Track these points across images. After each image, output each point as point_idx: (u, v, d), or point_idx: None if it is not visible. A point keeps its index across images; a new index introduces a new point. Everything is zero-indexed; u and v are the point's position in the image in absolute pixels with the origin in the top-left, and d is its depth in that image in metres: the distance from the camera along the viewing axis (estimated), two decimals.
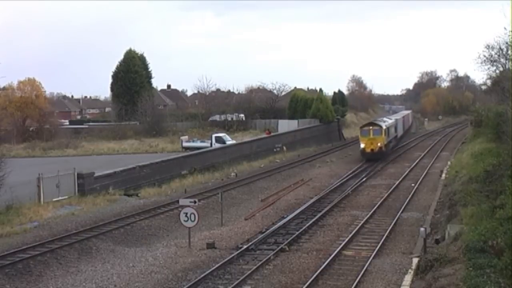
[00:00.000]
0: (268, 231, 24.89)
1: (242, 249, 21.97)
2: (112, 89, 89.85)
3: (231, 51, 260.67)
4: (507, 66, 41.13)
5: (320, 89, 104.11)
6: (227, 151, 51.43)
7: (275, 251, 21.53)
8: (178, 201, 26.50)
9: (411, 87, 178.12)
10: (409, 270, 18.34)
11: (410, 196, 33.05)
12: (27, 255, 21.41)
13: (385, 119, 62.27)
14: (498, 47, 41.22)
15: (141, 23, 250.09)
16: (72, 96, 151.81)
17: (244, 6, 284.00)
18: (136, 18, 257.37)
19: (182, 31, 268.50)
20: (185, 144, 60.28)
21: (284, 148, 58.99)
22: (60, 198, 31.58)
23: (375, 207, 29.70)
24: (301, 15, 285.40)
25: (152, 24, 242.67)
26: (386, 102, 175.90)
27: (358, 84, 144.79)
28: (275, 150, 57.87)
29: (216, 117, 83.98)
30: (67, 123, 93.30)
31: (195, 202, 23.90)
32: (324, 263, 19.87)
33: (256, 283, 18.34)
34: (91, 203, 31.42)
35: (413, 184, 37.23)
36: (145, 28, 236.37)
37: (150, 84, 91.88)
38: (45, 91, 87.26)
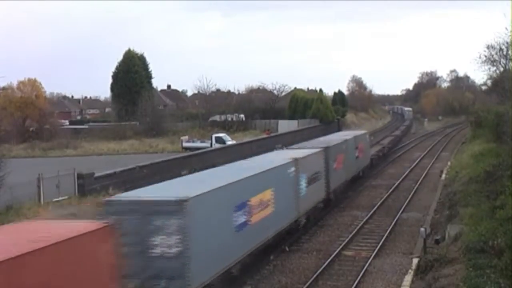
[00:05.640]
0: None
1: None
2: (112, 89, 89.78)
3: (231, 51, 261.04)
4: (507, 66, 41.18)
5: (320, 89, 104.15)
6: (227, 152, 51.39)
7: (274, 251, 21.52)
8: None
9: (411, 87, 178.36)
10: (409, 271, 18.36)
11: (410, 196, 32.99)
12: None
13: None
14: (498, 47, 41.30)
15: (141, 24, 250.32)
16: (72, 96, 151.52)
17: (246, 7, 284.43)
18: (136, 19, 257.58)
19: (182, 31, 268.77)
20: (185, 145, 60.21)
21: (284, 148, 58.83)
22: (60, 198, 31.52)
23: (375, 207, 29.68)
24: (301, 16, 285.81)
25: (152, 24, 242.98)
26: (387, 102, 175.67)
27: (358, 84, 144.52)
28: (275, 150, 57.71)
29: (216, 118, 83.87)
30: (67, 123, 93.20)
31: None
32: (324, 263, 19.87)
33: (256, 283, 18.33)
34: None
35: (413, 185, 37.19)
36: (145, 29, 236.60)
37: (150, 84, 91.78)
38: (45, 91, 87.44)
